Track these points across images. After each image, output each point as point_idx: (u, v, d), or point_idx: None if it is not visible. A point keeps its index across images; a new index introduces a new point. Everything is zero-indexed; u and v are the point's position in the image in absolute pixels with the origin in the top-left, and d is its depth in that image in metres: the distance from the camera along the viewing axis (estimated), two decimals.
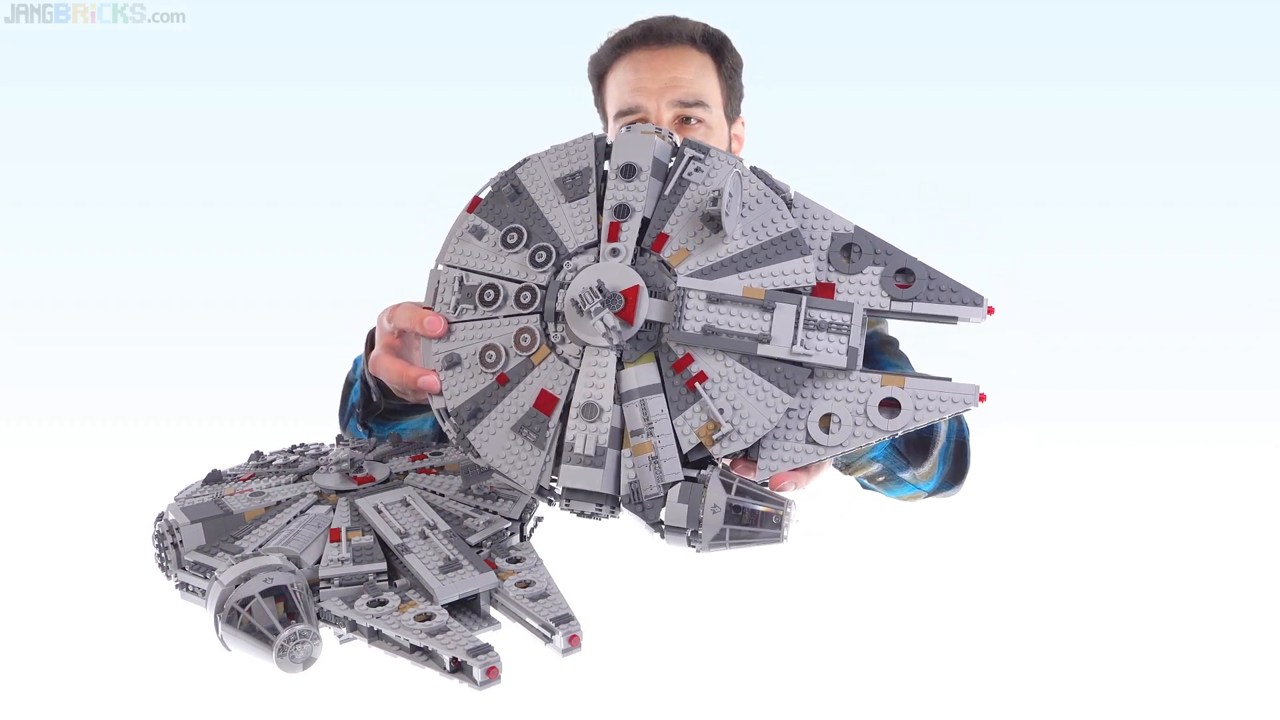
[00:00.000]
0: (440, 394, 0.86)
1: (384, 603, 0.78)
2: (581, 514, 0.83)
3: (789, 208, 0.85)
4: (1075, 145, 2.32)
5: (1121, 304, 2.24)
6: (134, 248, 2.20)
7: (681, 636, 1.15)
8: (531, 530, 0.91)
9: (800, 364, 0.81)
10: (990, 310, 0.82)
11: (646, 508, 0.81)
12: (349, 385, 1.16)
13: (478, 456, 0.85)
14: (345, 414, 1.16)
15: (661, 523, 0.81)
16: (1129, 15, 2.35)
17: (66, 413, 1.99)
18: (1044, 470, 1.84)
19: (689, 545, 0.80)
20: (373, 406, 1.10)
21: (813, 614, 1.27)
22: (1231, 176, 2.29)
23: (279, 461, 0.99)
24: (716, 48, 1.42)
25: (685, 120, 1.38)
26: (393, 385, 0.94)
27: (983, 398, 0.80)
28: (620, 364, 0.83)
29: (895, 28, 2.38)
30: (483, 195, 0.91)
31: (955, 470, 1.24)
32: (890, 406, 0.81)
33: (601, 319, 0.82)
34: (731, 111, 1.46)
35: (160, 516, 0.87)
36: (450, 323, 0.87)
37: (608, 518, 0.83)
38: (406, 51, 2.33)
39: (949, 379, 0.81)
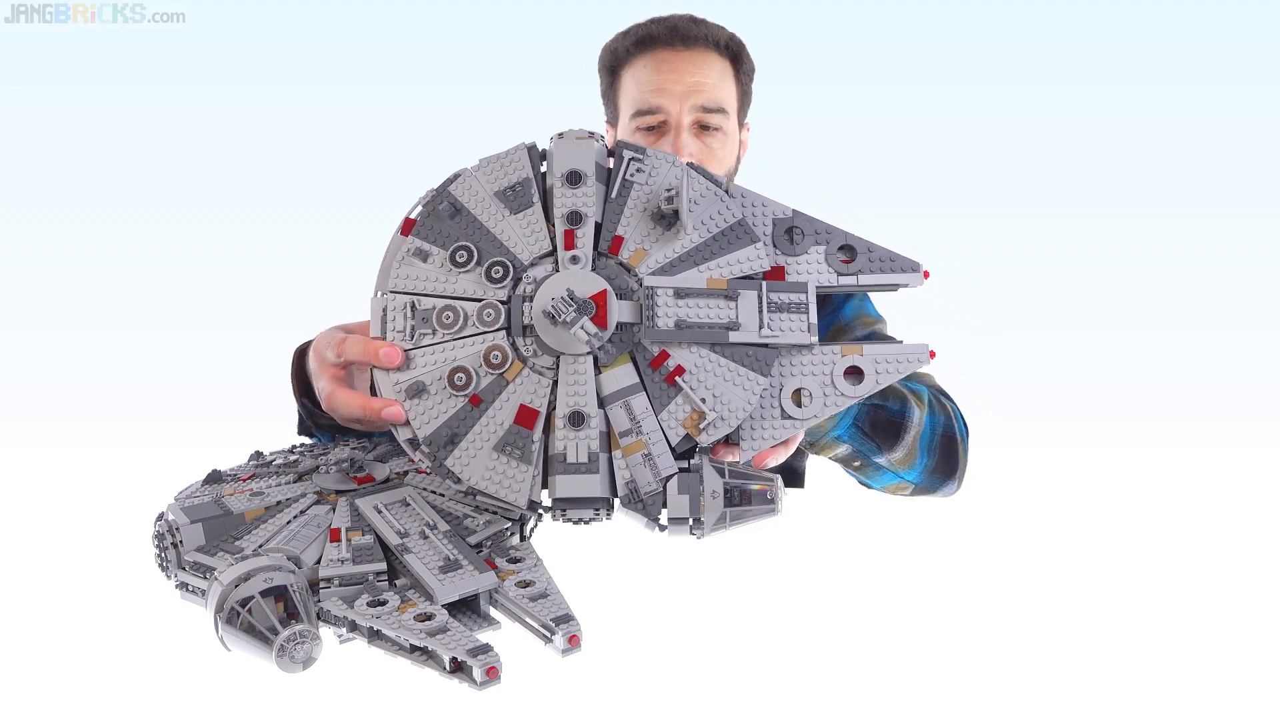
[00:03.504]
0: (407, 424, 0.84)
1: (384, 603, 0.78)
2: (579, 521, 0.82)
3: (729, 198, 0.88)
4: (1074, 145, 2.32)
5: (1119, 304, 2.24)
6: (134, 248, 2.20)
7: (682, 636, 1.15)
8: (531, 530, 0.91)
9: (768, 345, 0.84)
10: (926, 274, 0.89)
11: (647, 505, 0.82)
12: None
13: (458, 482, 0.83)
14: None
15: (659, 521, 0.82)
16: (1129, 15, 2.35)
17: (66, 413, 1.99)
18: (1041, 470, 1.84)
19: (690, 533, 0.81)
20: (305, 426, 1.09)
21: (814, 613, 1.27)
22: (1231, 177, 2.29)
23: (279, 461, 0.99)
24: (736, 54, 1.42)
25: (704, 127, 1.37)
26: (350, 419, 0.90)
27: (932, 354, 0.86)
28: (597, 369, 0.84)
29: (895, 28, 2.38)
30: (415, 215, 0.89)
31: (944, 465, 1.25)
32: (854, 374, 0.86)
33: (582, 326, 0.82)
34: (742, 117, 1.46)
35: (160, 516, 0.87)
36: (407, 351, 0.85)
37: (602, 521, 0.83)
38: (406, 51, 2.33)
39: (900, 341, 0.88)
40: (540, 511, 0.84)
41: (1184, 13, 2.32)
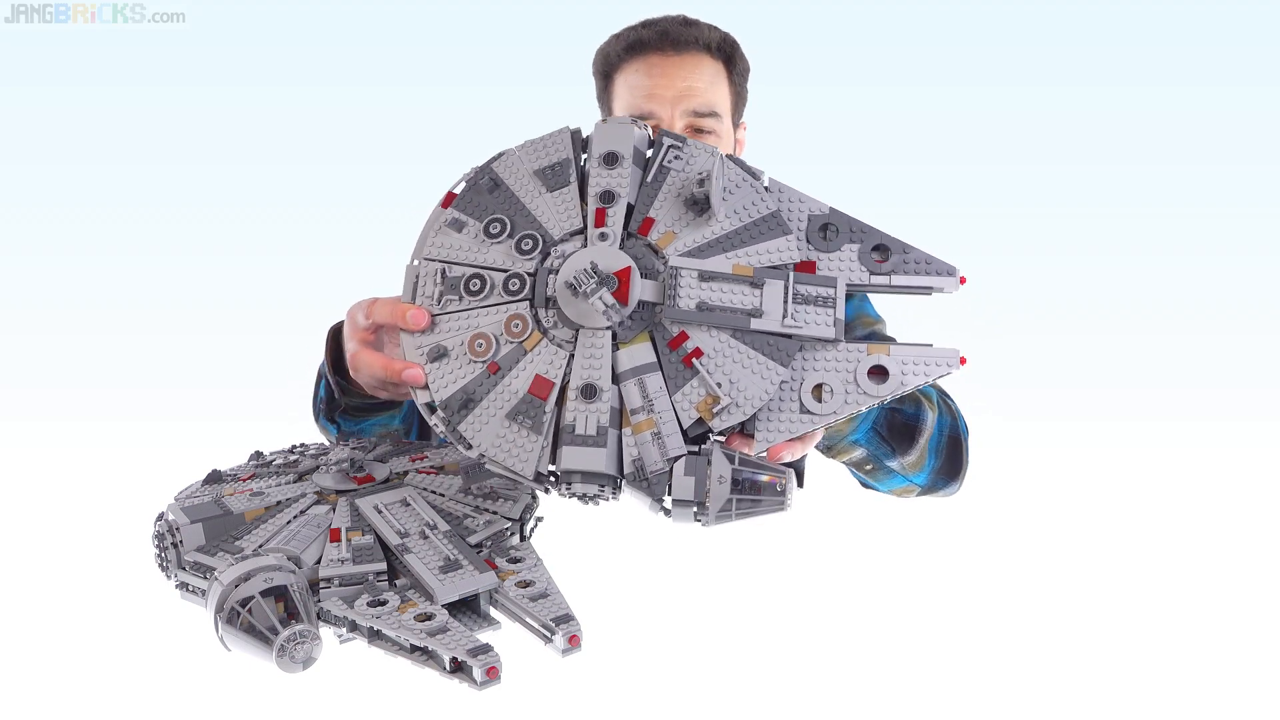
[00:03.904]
0: (426, 387, 0.86)
1: (384, 603, 0.78)
2: (584, 497, 0.82)
3: (765, 191, 0.88)
4: (1074, 145, 2.32)
5: (1119, 304, 2.24)
6: (133, 248, 2.20)
7: (682, 636, 1.15)
8: (531, 530, 0.91)
9: (790, 336, 0.83)
10: (963, 280, 0.86)
11: (652, 484, 0.81)
12: (320, 378, 1.16)
13: (469, 448, 0.84)
14: (316, 407, 1.16)
15: (664, 504, 0.81)
16: (1129, 15, 2.35)
17: (66, 413, 1.99)
18: (1041, 470, 1.84)
19: (695, 519, 0.81)
20: (334, 404, 1.09)
21: (815, 614, 1.27)
22: (1231, 177, 2.29)
23: (279, 461, 0.99)
24: (728, 55, 1.41)
25: (697, 131, 1.37)
26: (372, 381, 0.92)
27: (963, 360, 0.84)
28: (615, 345, 0.84)
29: (895, 28, 2.38)
30: (457, 190, 0.91)
31: (949, 466, 1.25)
32: (878, 374, 0.84)
33: (600, 297, 0.82)
34: (737, 118, 1.46)
35: (160, 516, 0.87)
36: (434, 315, 0.87)
37: (608, 500, 0.83)
38: (406, 51, 2.33)
39: (930, 344, 0.85)
40: (547, 486, 0.84)
41: (1184, 13, 2.32)
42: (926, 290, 0.87)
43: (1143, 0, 2.35)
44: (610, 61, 1.43)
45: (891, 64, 2.33)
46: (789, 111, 1.96)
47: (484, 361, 0.85)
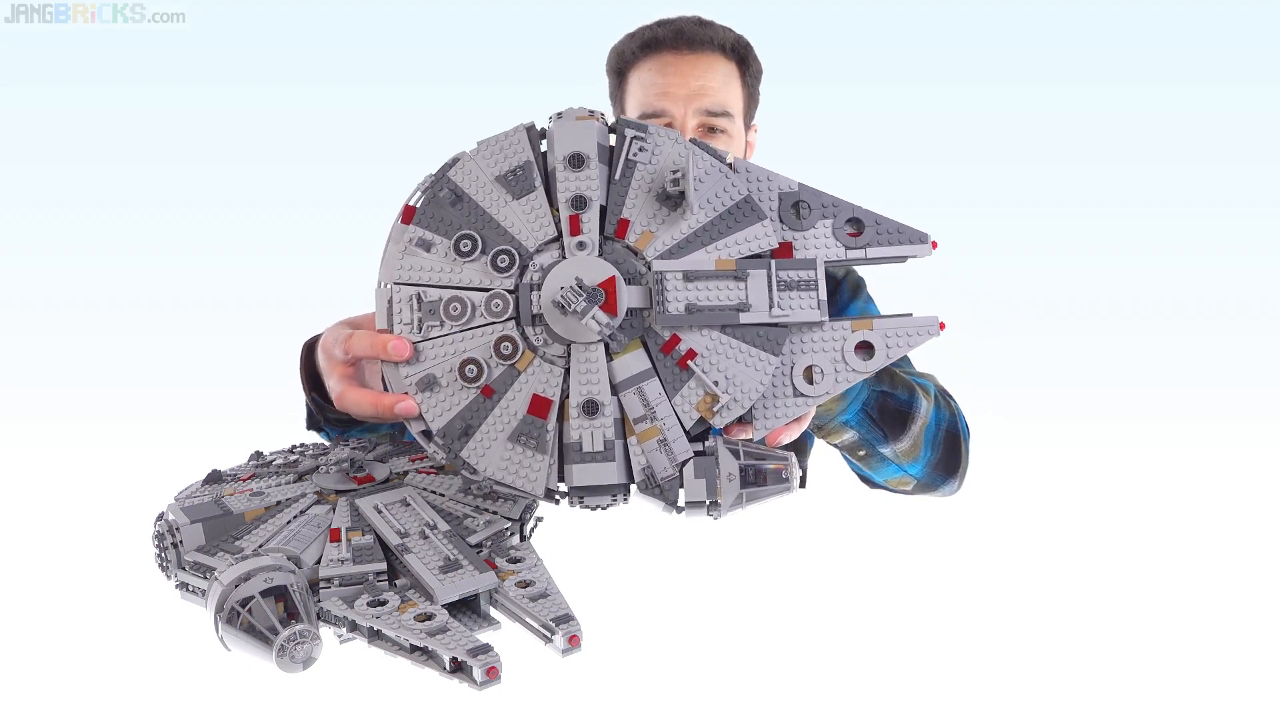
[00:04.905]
0: (420, 418, 0.84)
1: (384, 603, 0.78)
2: (596, 508, 0.83)
3: (734, 173, 0.87)
4: (1074, 145, 2.32)
5: (1120, 304, 2.24)
6: (133, 248, 2.20)
7: (682, 636, 1.15)
8: (531, 530, 0.91)
9: (779, 324, 0.84)
10: (934, 245, 0.88)
11: (664, 490, 0.82)
12: None
13: (474, 473, 0.83)
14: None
15: (677, 504, 0.82)
16: (1129, 15, 2.35)
17: (66, 413, 1.99)
18: (1041, 470, 1.84)
19: (707, 515, 0.82)
20: (314, 420, 1.09)
21: (815, 613, 1.27)
22: (1231, 177, 2.29)
23: (279, 461, 0.99)
24: (742, 56, 1.41)
25: (710, 130, 1.37)
26: (363, 416, 0.90)
27: (942, 326, 0.86)
28: (608, 355, 0.83)
29: (896, 28, 2.38)
30: (415, 203, 0.87)
31: (946, 462, 1.25)
32: (865, 348, 0.86)
33: (594, 317, 0.81)
34: (748, 119, 1.46)
35: (160, 516, 0.87)
36: (415, 343, 0.84)
37: (619, 506, 0.84)
38: (406, 51, 2.33)
39: (910, 314, 0.86)
40: (557, 498, 0.84)
41: (1184, 13, 2.32)
42: (901, 259, 0.88)
43: (1143, 0, 2.35)
44: (624, 59, 1.43)
45: (892, 64, 2.34)
46: (795, 111, 1.96)
47: (477, 386, 0.83)
